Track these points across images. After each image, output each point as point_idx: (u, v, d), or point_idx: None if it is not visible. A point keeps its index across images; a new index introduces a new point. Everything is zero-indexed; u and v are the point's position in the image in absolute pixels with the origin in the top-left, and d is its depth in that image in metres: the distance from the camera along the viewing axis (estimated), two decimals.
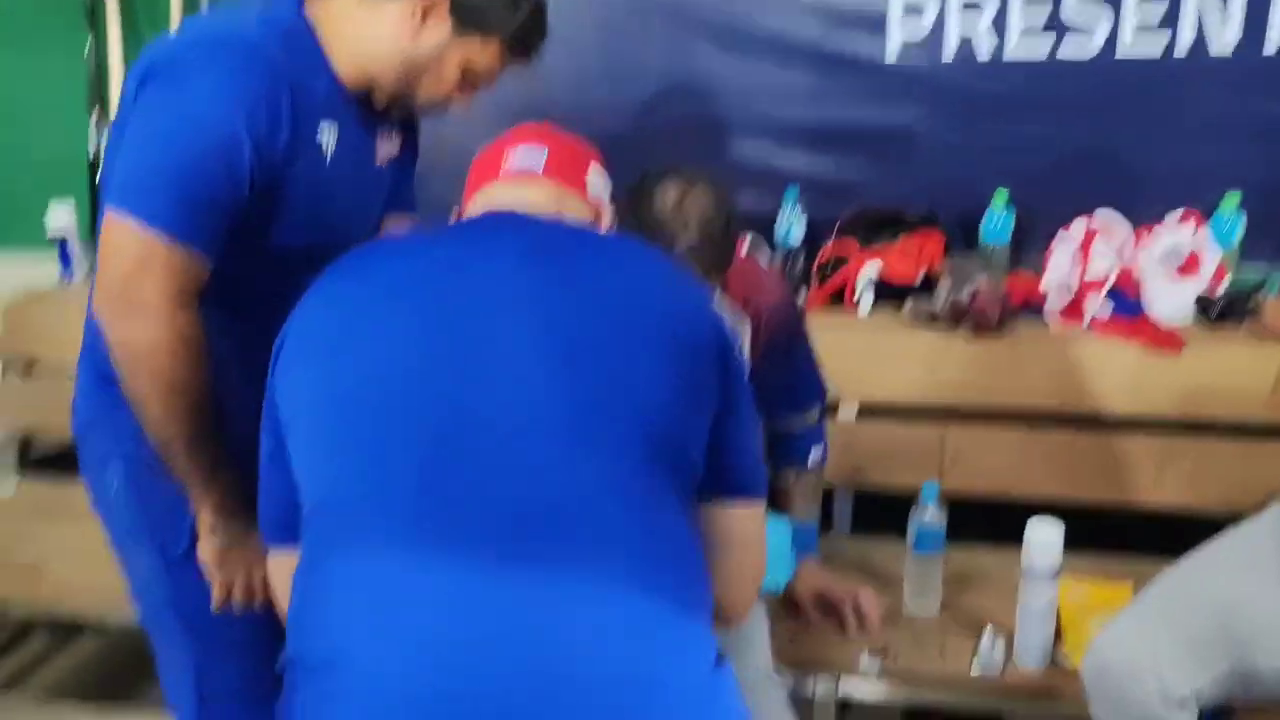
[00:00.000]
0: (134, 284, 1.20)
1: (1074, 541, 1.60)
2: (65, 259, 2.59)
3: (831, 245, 2.28)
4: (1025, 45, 2.24)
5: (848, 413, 2.10)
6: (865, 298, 2.19)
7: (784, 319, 1.75)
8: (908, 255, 2.17)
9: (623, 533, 0.90)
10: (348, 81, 1.36)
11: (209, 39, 1.25)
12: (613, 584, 0.88)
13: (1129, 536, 1.96)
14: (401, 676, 0.84)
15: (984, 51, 2.26)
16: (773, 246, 2.38)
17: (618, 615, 0.87)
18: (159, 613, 1.42)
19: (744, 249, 1.82)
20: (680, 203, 1.46)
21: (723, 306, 1.59)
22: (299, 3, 1.35)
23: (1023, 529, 1.58)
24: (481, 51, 1.38)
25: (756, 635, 1.56)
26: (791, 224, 2.36)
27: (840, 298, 2.22)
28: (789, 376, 1.80)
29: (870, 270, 2.16)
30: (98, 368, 1.32)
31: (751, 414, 1.09)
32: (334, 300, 1.02)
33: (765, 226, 2.37)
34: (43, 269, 2.58)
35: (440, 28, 1.35)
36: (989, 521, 1.93)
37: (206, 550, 1.34)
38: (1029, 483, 2.01)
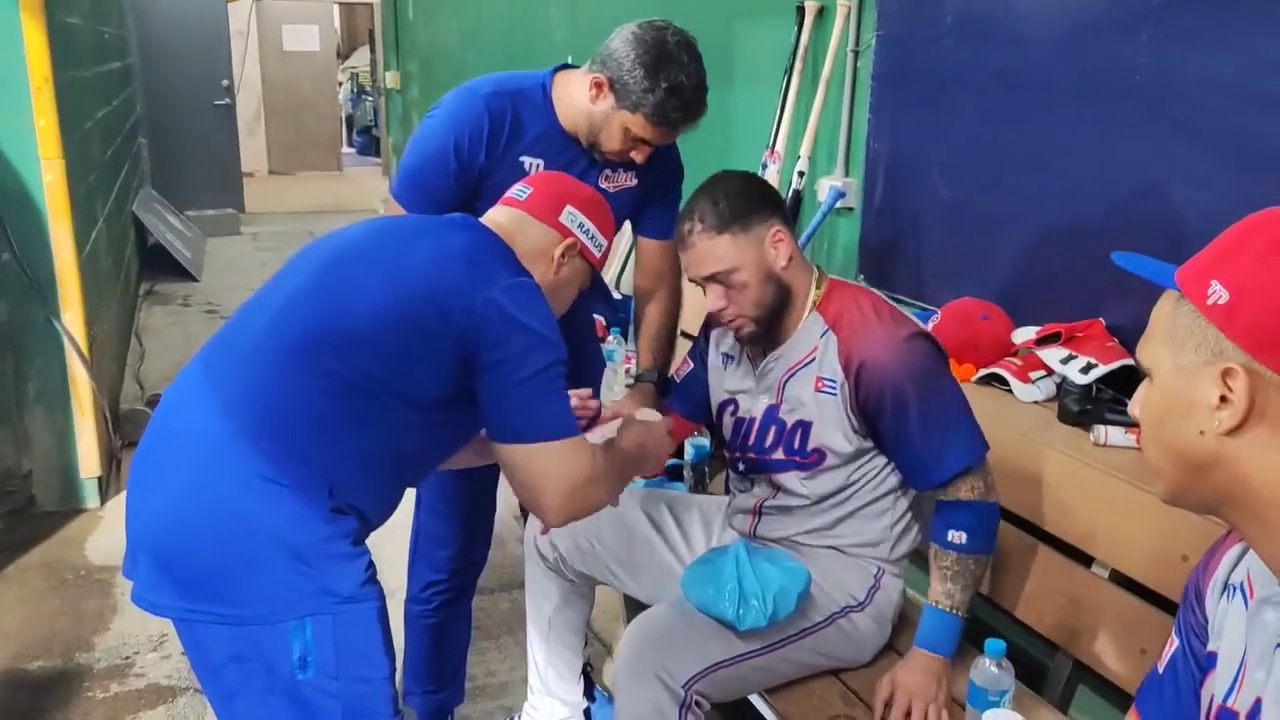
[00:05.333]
0: None
1: None
2: None
3: None
4: None
5: (1100, 569, 1.84)
6: None
7: (887, 376, 1.72)
8: None
9: (262, 393, 1.41)
10: (566, 127, 1.90)
11: (460, 91, 1.90)
12: (227, 415, 1.39)
13: None
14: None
15: None
16: None
17: (214, 428, 1.39)
18: None
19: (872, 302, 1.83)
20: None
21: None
22: (554, 71, 1.93)
23: None
24: (633, 121, 1.80)
25: None
26: None
27: None
28: (904, 442, 1.75)
29: None
30: None
31: (509, 381, 1.42)
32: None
33: None
34: None
35: (607, 100, 1.82)
36: None
37: None
38: None
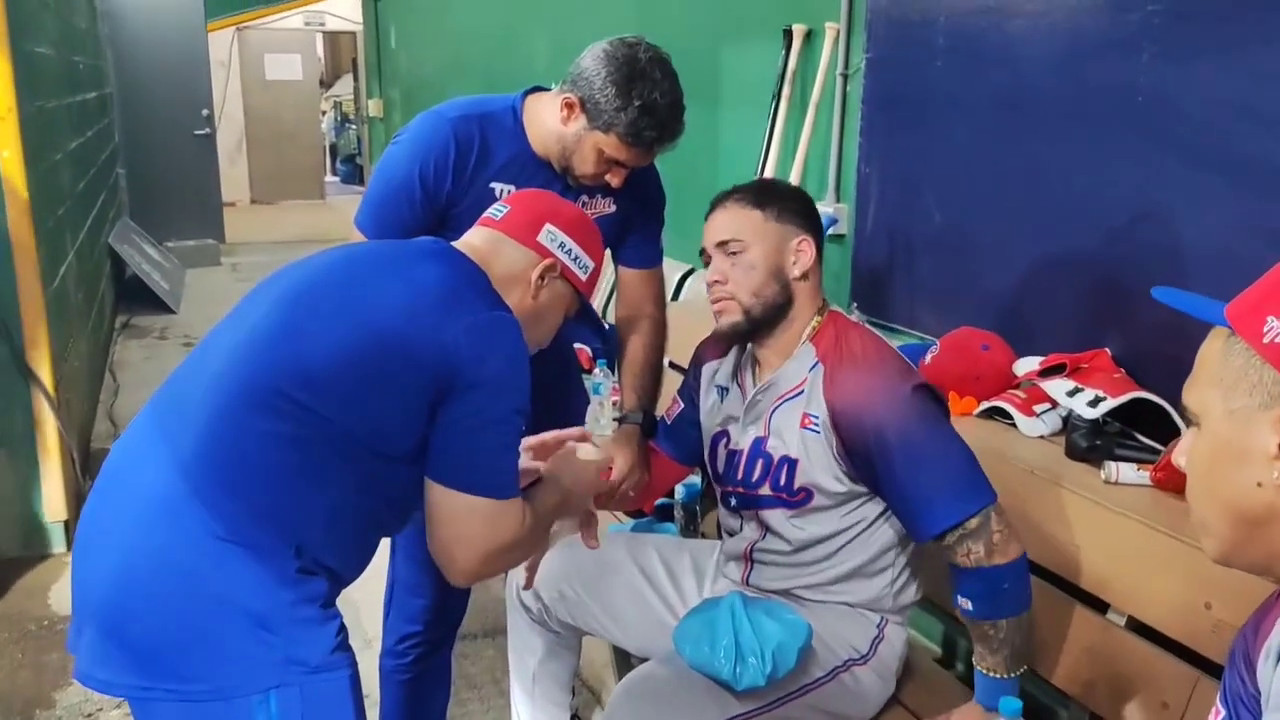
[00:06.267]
0: None
1: None
2: None
3: None
4: None
5: (1116, 616, 1.73)
6: None
7: (865, 421, 1.63)
8: None
9: (218, 446, 1.28)
10: (538, 151, 1.81)
11: (426, 115, 1.81)
12: (179, 470, 1.27)
13: None
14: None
15: None
16: None
17: (166, 485, 1.27)
18: None
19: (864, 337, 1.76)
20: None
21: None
22: (525, 93, 1.83)
23: None
24: (606, 142, 1.71)
25: None
26: None
27: None
28: (894, 489, 1.65)
29: None
30: None
31: (471, 422, 1.32)
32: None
33: None
34: None
35: (579, 121, 1.72)
36: None
37: None
38: None
